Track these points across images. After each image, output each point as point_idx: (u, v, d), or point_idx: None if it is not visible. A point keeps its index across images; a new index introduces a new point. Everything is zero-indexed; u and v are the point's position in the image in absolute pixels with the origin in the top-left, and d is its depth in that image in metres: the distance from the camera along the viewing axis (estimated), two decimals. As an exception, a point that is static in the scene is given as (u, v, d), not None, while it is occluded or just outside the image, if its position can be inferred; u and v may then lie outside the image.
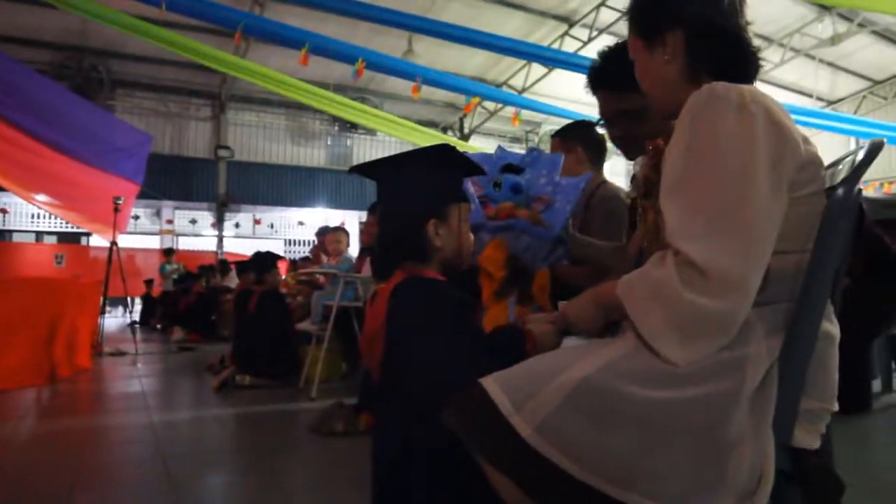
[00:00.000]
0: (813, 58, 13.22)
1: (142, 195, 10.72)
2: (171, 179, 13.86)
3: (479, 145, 16.08)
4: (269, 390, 4.54)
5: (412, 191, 1.42)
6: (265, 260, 5.11)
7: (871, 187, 14.43)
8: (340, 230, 5.21)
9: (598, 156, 2.59)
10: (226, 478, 2.69)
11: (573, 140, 2.53)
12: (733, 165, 0.99)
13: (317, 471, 2.79)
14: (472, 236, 1.49)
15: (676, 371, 0.98)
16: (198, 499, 2.39)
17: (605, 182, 2.49)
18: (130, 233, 13.76)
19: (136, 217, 14.48)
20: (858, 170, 1.04)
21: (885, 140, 1.07)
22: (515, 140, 17.75)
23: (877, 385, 4.21)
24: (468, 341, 1.30)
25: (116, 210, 7.38)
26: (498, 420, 1.03)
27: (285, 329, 4.85)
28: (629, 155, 1.84)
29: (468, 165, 1.49)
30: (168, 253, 11.93)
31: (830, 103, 15.39)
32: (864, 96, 15.32)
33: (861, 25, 11.83)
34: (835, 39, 11.86)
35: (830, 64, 13.98)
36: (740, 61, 1.20)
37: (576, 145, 2.49)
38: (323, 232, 6.02)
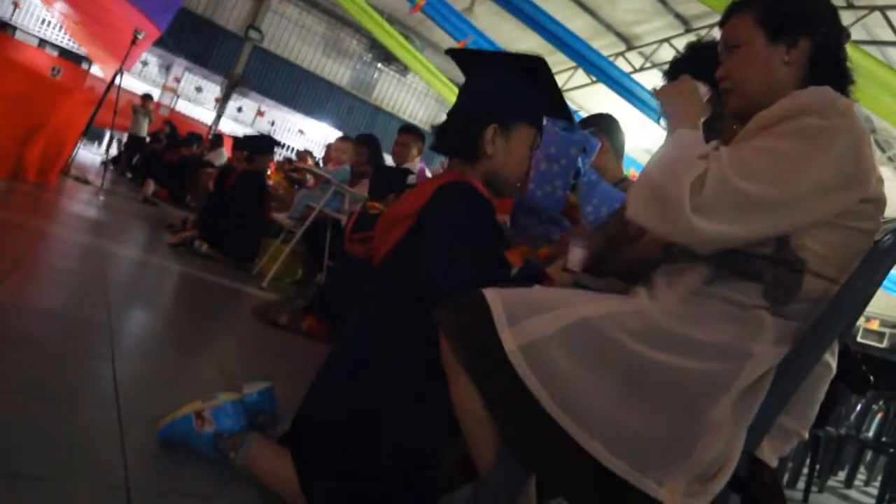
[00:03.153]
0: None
1: (158, 43, 10.40)
2: (193, 40, 13.46)
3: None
4: (222, 265, 4.47)
5: (488, 90, 1.39)
6: (263, 141, 5.00)
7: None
8: (349, 140, 5.11)
9: (621, 150, 2.59)
10: (159, 320, 2.65)
11: (601, 131, 2.49)
12: (805, 149, 1.00)
13: (247, 349, 2.75)
14: (525, 163, 1.45)
15: (681, 339, 0.98)
16: (128, 327, 2.34)
17: (626, 179, 2.48)
18: (134, 76, 13.39)
19: (145, 63, 14.09)
20: (914, 225, 1.05)
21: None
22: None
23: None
24: (491, 259, 1.29)
25: (133, 42, 7.14)
26: (487, 329, 1.02)
27: (258, 213, 4.76)
28: None
29: (555, 94, 1.45)
30: (145, 98, 11.26)
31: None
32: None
33: (890, 160, 12.02)
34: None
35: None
36: (842, 91, 1.20)
37: (602, 137, 2.47)
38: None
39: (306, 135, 15.55)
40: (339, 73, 15.63)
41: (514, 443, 1.02)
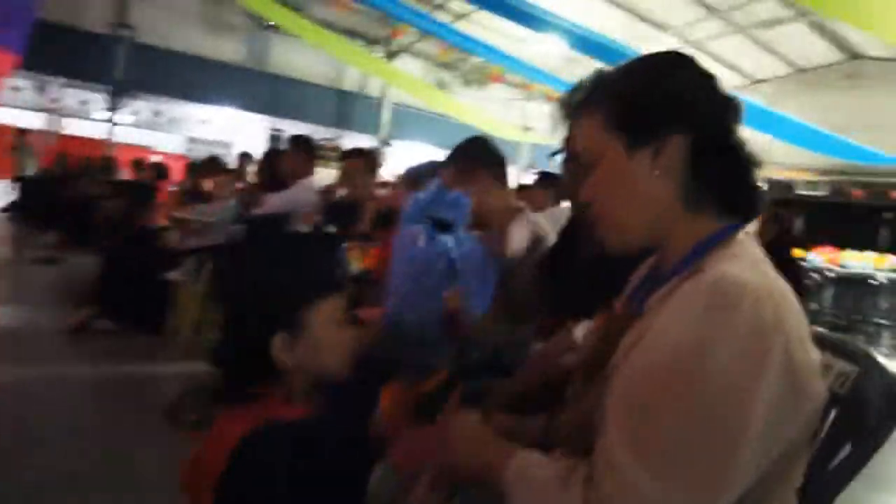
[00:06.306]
0: (748, 35, 13.29)
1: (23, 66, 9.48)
2: (59, 53, 12.33)
3: (405, 67, 15.36)
4: (129, 341, 4.08)
5: (251, 297, 1.09)
6: (140, 192, 4.54)
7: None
8: (227, 173, 4.64)
9: (503, 173, 2.25)
10: (49, 460, 2.33)
11: (472, 163, 2.15)
12: (724, 416, 0.76)
13: (156, 468, 2.46)
14: (345, 338, 1.16)
15: None
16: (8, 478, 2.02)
17: (522, 209, 2.18)
18: (7, 105, 12.33)
19: (17, 89, 12.97)
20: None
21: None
22: (443, 66, 16.98)
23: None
24: None
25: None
26: None
27: (154, 274, 4.33)
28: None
29: (330, 249, 1.16)
30: (21, 133, 10.26)
31: (753, 82, 15.64)
32: (788, 81, 15.67)
33: (801, 14, 11.90)
34: (773, 23, 11.91)
35: (763, 44, 14.11)
36: (747, 192, 0.94)
37: (477, 169, 2.14)
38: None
39: (213, 123, 14.72)
40: (228, 49, 14.67)
41: None
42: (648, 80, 0.92)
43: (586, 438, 0.91)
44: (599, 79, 0.99)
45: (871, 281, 5.43)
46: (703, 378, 0.76)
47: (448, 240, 1.62)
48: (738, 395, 0.76)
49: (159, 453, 2.61)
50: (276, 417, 1.05)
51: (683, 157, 0.90)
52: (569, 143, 1.35)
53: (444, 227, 1.67)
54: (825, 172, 15.58)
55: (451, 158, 2.23)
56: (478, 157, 2.18)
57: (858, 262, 13.93)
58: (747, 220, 0.95)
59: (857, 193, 15.50)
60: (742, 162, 0.93)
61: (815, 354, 0.84)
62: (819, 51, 14.25)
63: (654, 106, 0.91)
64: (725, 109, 0.93)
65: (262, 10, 10.07)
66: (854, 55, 14.88)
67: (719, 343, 0.77)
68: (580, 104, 0.99)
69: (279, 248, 1.12)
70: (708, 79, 0.94)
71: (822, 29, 13.08)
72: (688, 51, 0.94)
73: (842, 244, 14.16)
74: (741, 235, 0.92)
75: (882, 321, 5.69)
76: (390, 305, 1.64)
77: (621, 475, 0.77)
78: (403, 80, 12.96)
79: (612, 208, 0.95)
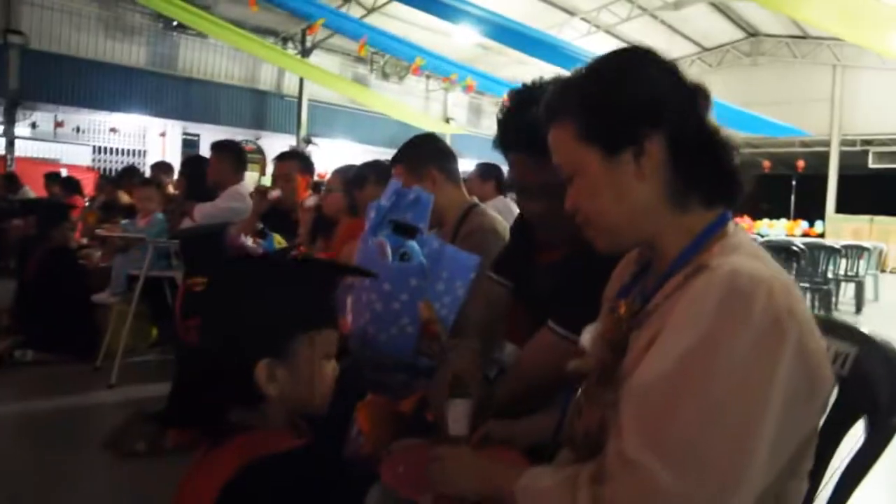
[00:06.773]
0: (655, 18, 13.73)
1: None
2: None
3: (321, 62, 15.07)
4: (58, 370, 3.82)
5: (236, 326, 1.01)
6: (53, 211, 4.21)
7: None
8: (148, 185, 4.38)
9: (455, 168, 2.22)
10: None
11: (422, 161, 2.10)
12: (744, 409, 0.76)
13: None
14: (328, 373, 1.09)
15: None
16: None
17: (474, 207, 2.14)
18: None
19: None
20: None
21: None
22: (360, 60, 16.77)
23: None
24: None
25: None
26: None
27: (78, 297, 4.05)
28: (548, 233, 1.45)
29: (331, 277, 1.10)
30: None
31: (664, 63, 16.23)
32: (693, 61, 16.35)
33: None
34: (678, 5, 12.35)
35: (669, 26, 14.63)
36: (730, 178, 0.92)
37: (428, 167, 2.09)
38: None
39: (120, 131, 14.00)
40: (132, 53, 13.96)
41: None
42: (613, 86, 0.91)
43: (599, 441, 0.89)
44: (561, 86, 0.97)
45: (794, 248, 5.78)
46: (721, 372, 0.76)
47: (415, 248, 1.56)
48: (757, 387, 0.76)
49: (111, 486, 2.47)
50: (261, 454, 0.98)
51: (664, 155, 0.89)
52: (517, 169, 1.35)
53: (407, 231, 1.61)
54: (734, 146, 16.35)
55: (399, 157, 2.17)
56: (428, 154, 2.14)
57: (773, 229, 14.68)
58: (733, 205, 0.95)
59: (767, 164, 16.37)
60: (720, 148, 0.92)
61: (822, 342, 0.84)
62: (722, 29, 14.93)
63: (624, 112, 0.89)
64: (695, 98, 0.92)
65: (165, 9, 9.62)
66: (752, 33, 15.68)
67: (735, 336, 0.76)
68: (547, 115, 0.97)
69: (279, 275, 1.05)
70: (671, 70, 0.93)
71: (722, 9, 13.68)
72: (598, 34, 0.95)
73: (756, 214, 14.93)
74: (732, 226, 0.92)
75: (804, 284, 6.10)
76: (358, 325, 1.56)
77: (643, 474, 0.75)
78: (323, 76, 12.72)
79: (598, 215, 0.94)
